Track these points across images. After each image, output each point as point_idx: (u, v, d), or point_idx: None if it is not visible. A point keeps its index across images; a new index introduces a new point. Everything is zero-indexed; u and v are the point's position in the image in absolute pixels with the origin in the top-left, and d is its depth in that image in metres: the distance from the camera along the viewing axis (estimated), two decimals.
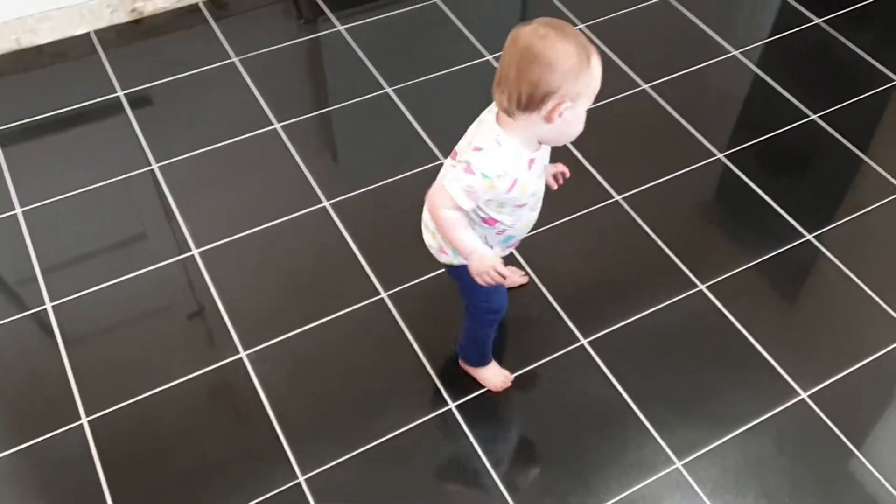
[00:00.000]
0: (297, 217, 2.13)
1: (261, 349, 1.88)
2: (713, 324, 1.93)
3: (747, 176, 2.24)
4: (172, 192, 2.18)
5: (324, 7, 2.71)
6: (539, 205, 1.55)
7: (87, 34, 2.60)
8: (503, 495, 1.67)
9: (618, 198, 2.18)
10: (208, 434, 1.75)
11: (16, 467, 1.70)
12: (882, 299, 1.98)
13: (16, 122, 2.35)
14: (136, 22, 2.65)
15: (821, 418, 1.78)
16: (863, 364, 1.87)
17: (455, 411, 1.78)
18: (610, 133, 2.32)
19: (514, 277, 1.97)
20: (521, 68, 1.32)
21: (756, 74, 2.52)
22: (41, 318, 1.93)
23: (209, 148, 2.28)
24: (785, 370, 1.85)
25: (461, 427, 1.76)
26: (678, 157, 2.28)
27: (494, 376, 1.82)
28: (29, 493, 1.68)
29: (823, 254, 2.08)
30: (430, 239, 1.61)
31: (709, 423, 1.77)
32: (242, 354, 1.87)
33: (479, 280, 1.48)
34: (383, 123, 2.37)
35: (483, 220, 1.50)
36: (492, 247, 1.58)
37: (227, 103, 2.41)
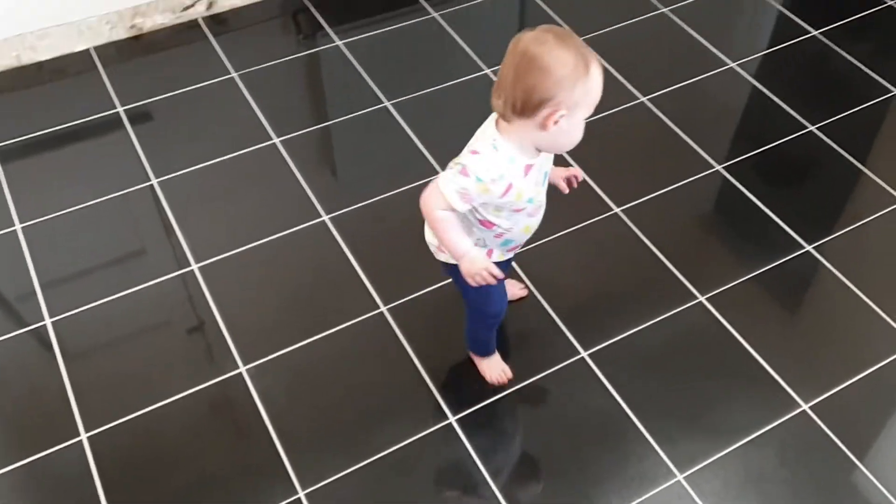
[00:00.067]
0: (296, 231, 2.13)
1: (260, 364, 1.87)
2: (713, 335, 1.93)
3: (746, 187, 2.24)
4: (172, 207, 2.18)
5: (322, 22, 2.72)
6: (540, 212, 1.55)
7: (87, 50, 2.61)
8: None
9: (617, 210, 2.18)
10: (208, 449, 1.75)
11: (15, 484, 1.69)
12: (882, 310, 1.98)
13: (16, 138, 2.36)
14: (135, 38, 2.66)
15: (822, 430, 1.77)
16: (864, 375, 1.86)
17: (455, 425, 1.78)
18: (609, 145, 2.33)
19: (514, 290, 1.97)
20: (517, 73, 1.32)
21: (754, 86, 2.53)
22: (40, 334, 1.93)
23: (209, 163, 2.29)
24: (785, 381, 1.85)
25: (461, 440, 1.75)
26: (677, 169, 2.28)
27: (492, 369, 1.84)
28: None
29: (823, 265, 2.08)
30: (429, 236, 1.61)
31: (710, 436, 1.77)
32: (242, 369, 1.86)
33: (470, 281, 1.48)
34: (382, 137, 2.37)
35: (480, 222, 1.50)
36: (491, 250, 1.58)
37: (227, 118, 2.42)
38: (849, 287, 2.03)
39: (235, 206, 2.20)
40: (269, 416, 1.79)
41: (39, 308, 1.97)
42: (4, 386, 1.84)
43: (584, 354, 1.89)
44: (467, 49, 2.62)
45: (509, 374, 1.84)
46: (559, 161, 1.58)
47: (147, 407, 1.80)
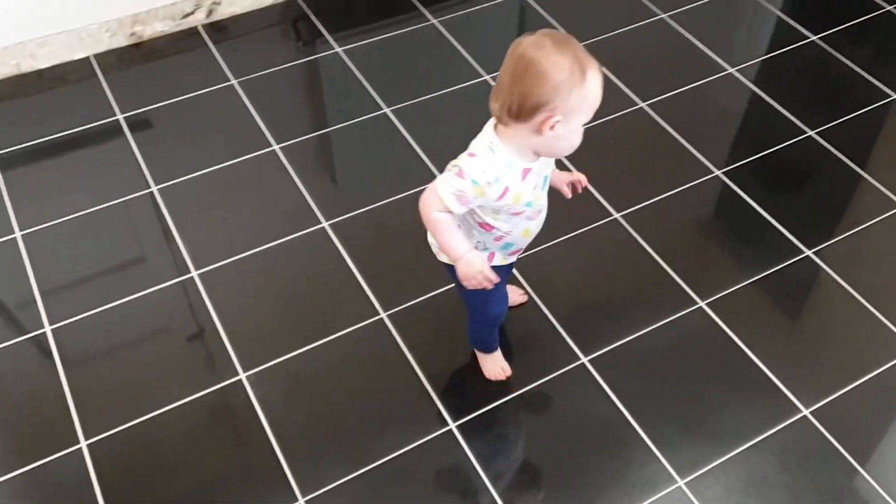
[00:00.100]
0: (296, 238, 2.13)
1: (260, 370, 1.87)
2: (714, 341, 1.93)
3: (745, 192, 2.24)
4: (172, 214, 2.18)
5: (322, 29, 2.72)
6: (540, 215, 1.54)
7: (87, 58, 2.61)
8: None
9: (616, 215, 2.18)
10: (208, 456, 1.75)
11: (15, 492, 1.69)
12: (883, 314, 1.98)
13: (16, 146, 2.36)
14: (135, 46, 2.66)
15: (823, 435, 1.77)
16: (864, 380, 1.86)
17: (455, 431, 1.77)
18: (608, 151, 2.33)
19: (514, 296, 1.97)
20: (514, 77, 1.32)
21: (753, 91, 2.53)
22: (40, 342, 1.93)
23: (208, 170, 2.29)
24: (786, 386, 1.84)
25: (462, 447, 1.75)
26: (676, 175, 2.28)
27: (492, 366, 1.84)
28: None
29: (823, 270, 2.07)
30: (431, 237, 1.61)
31: (711, 441, 1.76)
32: (242, 376, 1.86)
33: (466, 284, 1.48)
34: (382, 144, 2.37)
35: (480, 225, 1.50)
36: (493, 254, 1.58)
37: (227, 125, 2.42)
38: (849, 292, 2.02)
39: (235, 212, 2.20)
40: (269, 423, 1.79)
41: (39, 315, 1.97)
42: (4, 393, 1.84)
43: (584, 360, 1.89)
44: (466, 55, 2.63)
45: (508, 371, 1.84)
46: (561, 165, 1.58)
47: (147, 414, 1.80)
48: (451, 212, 1.43)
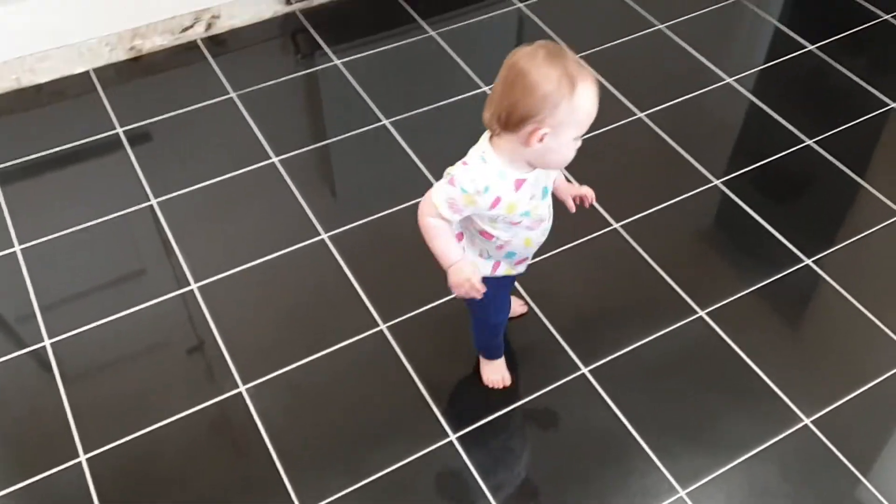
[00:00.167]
0: (295, 250, 2.13)
1: (260, 383, 1.87)
2: (714, 350, 1.93)
3: (745, 202, 2.24)
4: (171, 227, 2.19)
5: (321, 42, 2.73)
6: (540, 225, 1.53)
7: (87, 72, 2.62)
8: None
9: (616, 225, 2.18)
10: (208, 469, 1.74)
11: None
12: (883, 323, 1.97)
13: (16, 160, 2.36)
14: (134, 60, 2.67)
15: (824, 444, 1.76)
16: (865, 388, 1.86)
17: (456, 442, 1.77)
18: (607, 161, 2.33)
19: (514, 307, 1.96)
20: (504, 87, 1.32)
21: (751, 101, 2.54)
22: (40, 356, 1.92)
23: (208, 183, 2.29)
24: (787, 396, 1.84)
25: (462, 458, 1.75)
26: (675, 185, 2.29)
27: (492, 373, 1.84)
28: None
29: (823, 278, 2.07)
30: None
31: (712, 451, 1.76)
32: (242, 388, 1.86)
33: (454, 291, 1.49)
34: (381, 156, 2.38)
35: (480, 232, 1.50)
36: (498, 263, 1.58)
37: (226, 138, 2.43)
38: (849, 300, 2.02)
39: (235, 225, 2.20)
40: (269, 436, 1.78)
41: (39, 329, 1.97)
42: (4, 407, 1.84)
43: (584, 370, 1.89)
44: (465, 67, 2.64)
45: (508, 381, 1.84)
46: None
47: (146, 428, 1.79)
48: (444, 218, 1.43)
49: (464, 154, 1.49)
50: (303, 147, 2.40)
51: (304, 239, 2.15)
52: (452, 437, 1.78)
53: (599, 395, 1.84)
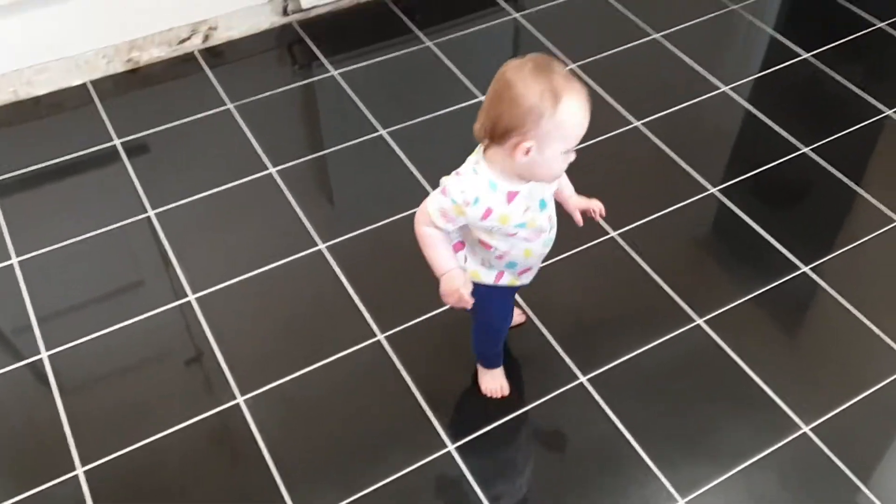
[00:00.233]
0: (293, 260, 2.13)
1: (258, 394, 1.87)
2: (712, 358, 1.93)
3: (741, 210, 2.24)
4: (169, 238, 2.19)
5: (317, 53, 2.74)
6: (540, 237, 1.52)
7: (84, 84, 2.62)
8: None
9: (613, 234, 2.18)
10: (206, 480, 1.74)
11: None
12: (881, 330, 1.97)
13: (13, 172, 2.36)
14: (132, 71, 2.68)
15: (824, 452, 1.76)
16: (864, 396, 1.86)
17: (454, 453, 1.77)
18: (603, 170, 2.33)
19: (513, 316, 1.96)
20: (492, 98, 1.33)
21: (747, 110, 2.54)
22: (37, 368, 1.92)
23: (205, 194, 2.30)
24: (786, 403, 1.84)
25: (460, 468, 1.74)
26: (672, 193, 2.29)
27: (490, 382, 1.84)
28: None
29: (820, 286, 2.07)
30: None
31: (711, 459, 1.75)
32: (240, 399, 1.86)
33: (445, 300, 1.49)
34: (378, 166, 2.38)
35: (479, 242, 1.50)
36: (501, 273, 1.57)
37: (223, 149, 2.43)
38: (847, 307, 2.02)
39: (232, 236, 2.20)
40: (267, 447, 1.78)
41: (36, 341, 1.97)
42: (0, 420, 1.83)
43: (582, 379, 1.88)
44: (462, 77, 2.64)
45: (506, 391, 1.84)
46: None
47: (144, 440, 1.79)
48: (438, 227, 1.44)
49: (460, 163, 1.49)
50: (300, 158, 2.40)
51: (301, 249, 2.16)
52: (451, 447, 1.77)
53: (598, 403, 1.84)
